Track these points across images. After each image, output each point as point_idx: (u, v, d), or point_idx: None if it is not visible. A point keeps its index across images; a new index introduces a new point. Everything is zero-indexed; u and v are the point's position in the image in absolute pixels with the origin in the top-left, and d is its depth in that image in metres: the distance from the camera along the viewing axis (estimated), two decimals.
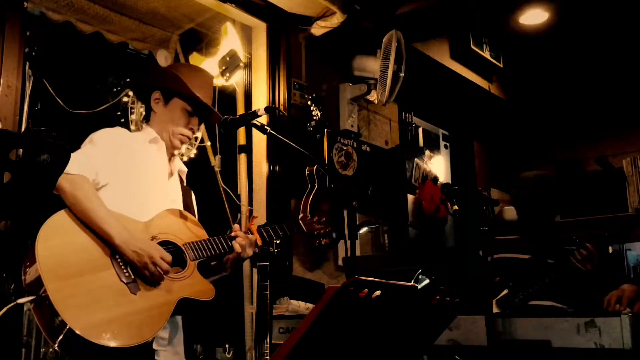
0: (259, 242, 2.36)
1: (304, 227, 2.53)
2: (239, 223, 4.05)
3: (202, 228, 2.37)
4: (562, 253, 2.74)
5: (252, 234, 2.38)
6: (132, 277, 2.04)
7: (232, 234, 2.34)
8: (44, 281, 1.88)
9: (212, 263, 2.39)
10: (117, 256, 2.05)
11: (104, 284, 1.98)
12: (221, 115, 2.48)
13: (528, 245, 2.97)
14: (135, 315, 1.99)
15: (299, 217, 2.57)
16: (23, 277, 1.97)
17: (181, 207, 2.39)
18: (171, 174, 2.45)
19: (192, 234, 2.30)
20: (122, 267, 2.05)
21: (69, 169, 2.04)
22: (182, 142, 2.42)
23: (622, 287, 2.57)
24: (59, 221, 2.03)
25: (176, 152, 2.46)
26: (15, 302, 1.91)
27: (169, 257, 2.13)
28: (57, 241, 1.98)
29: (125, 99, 4.01)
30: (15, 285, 2.88)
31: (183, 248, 2.22)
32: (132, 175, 2.27)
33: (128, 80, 3.99)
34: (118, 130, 2.41)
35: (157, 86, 2.43)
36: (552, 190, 3.07)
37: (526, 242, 3.01)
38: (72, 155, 2.03)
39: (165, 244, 2.19)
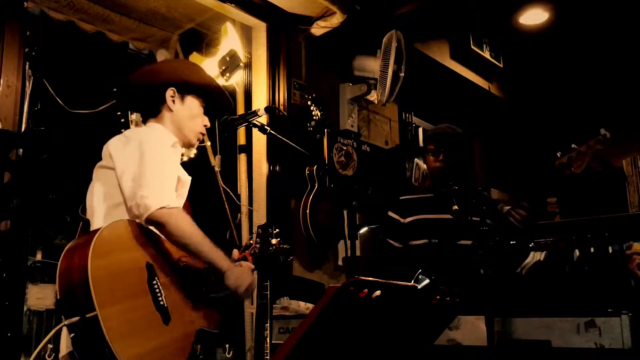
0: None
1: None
2: (239, 226, 4.04)
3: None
4: (500, 215, 2.72)
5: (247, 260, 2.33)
6: (166, 305, 1.99)
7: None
8: (97, 306, 1.78)
9: None
10: (153, 282, 1.98)
11: (143, 313, 1.92)
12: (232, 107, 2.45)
13: (442, 204, 2.87)
14: (167, 348, 1.96)
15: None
16: (59, 285, 1.84)
17: None
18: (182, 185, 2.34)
19: None
20: (158, 293, 1.99)
21: (168, 201, 2.02)
22: (198, 140, 2.40)
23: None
24: (116, 233, 1.94)
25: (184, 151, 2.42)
26: (63, 324, 1.80)
27: None
28: (109, 260, 1.88)
29: None
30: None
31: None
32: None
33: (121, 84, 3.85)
34: (161, 136, 2.27)
35: (170, 81, 2.30)
36: (465, 145, 3.01)
37: (440, 200, 2.93)
38: (156, 177, 2.03)
39: (187, 268, 2.14)
